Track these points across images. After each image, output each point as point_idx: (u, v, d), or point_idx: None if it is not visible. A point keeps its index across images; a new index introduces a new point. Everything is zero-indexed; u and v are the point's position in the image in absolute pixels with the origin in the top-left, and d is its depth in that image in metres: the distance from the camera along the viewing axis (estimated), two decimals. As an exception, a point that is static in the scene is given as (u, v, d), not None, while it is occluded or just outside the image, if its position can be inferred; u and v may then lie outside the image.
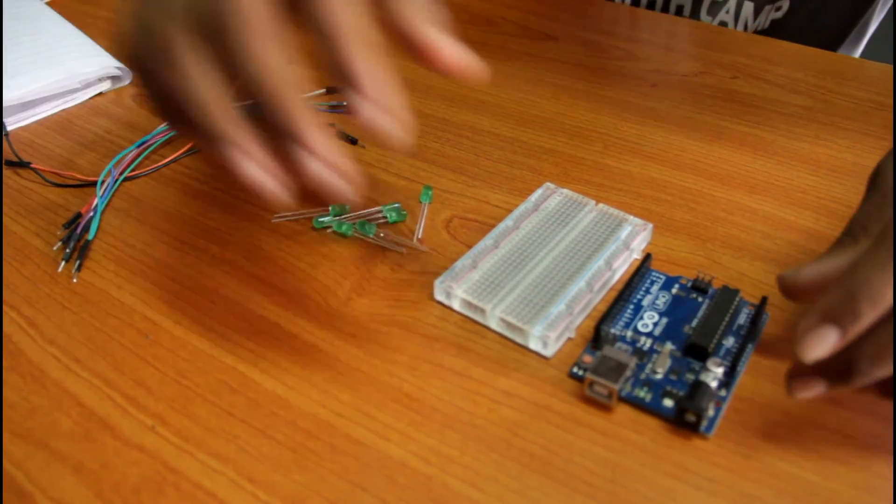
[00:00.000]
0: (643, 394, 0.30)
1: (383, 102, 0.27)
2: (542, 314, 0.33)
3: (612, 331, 0.32)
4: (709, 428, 0.29)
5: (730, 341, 0.32)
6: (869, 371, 0.26)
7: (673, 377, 0.31)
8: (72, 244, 0.39)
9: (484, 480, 0.28)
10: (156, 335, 0.34)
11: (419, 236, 0.39)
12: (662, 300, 0.34)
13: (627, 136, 0.46)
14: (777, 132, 0.45)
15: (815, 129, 0.45)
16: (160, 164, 0.45)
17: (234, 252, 0.39)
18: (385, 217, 0.40)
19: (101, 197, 0.42)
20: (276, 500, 0.28)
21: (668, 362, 0.31)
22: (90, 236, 0.40)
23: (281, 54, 0.28)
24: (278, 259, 0.38)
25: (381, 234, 0.39)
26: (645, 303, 0.34)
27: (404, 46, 0.29)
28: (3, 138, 0.48)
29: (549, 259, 0.35)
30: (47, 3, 0.64)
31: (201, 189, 0.43)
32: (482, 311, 0.33)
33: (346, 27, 0.27)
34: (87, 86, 0.52)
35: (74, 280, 0.37)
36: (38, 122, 0.50)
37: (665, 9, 0.64)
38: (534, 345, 0.32)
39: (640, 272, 0.35)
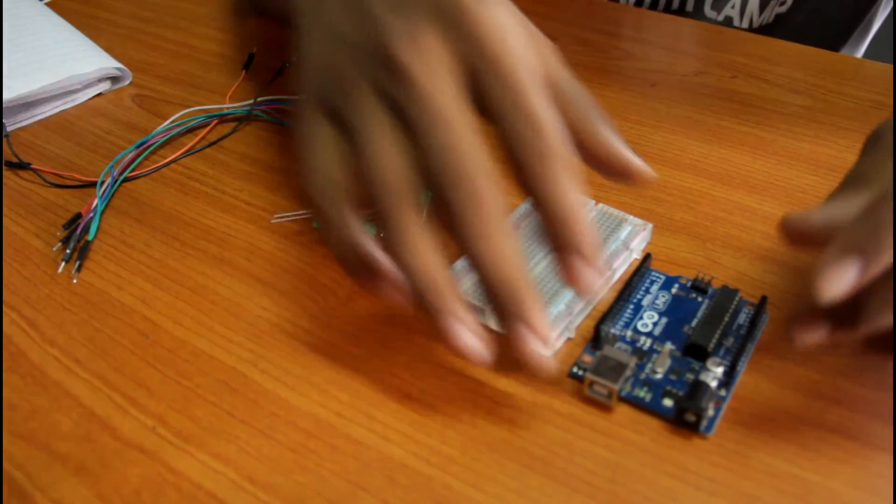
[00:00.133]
0: (643, 394, 0.30)
1: (580, 243, 0.27)
2: (541, 314, 0.33)
3: (612, 331, 0.32)
4: (708, 428, 0.29)
5: (729, 341, 0.32)
6: (878, 316, 0.25)
7: (673, 377, 0.31)
8: (72, 245, 0.39)
9: (484, 481, 0.28)
10: (156, 336, 0.34)
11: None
12: (662, 300, 0.34)
13: (627, 135, 0.45)
14: (777, 132, 0.45)
15: (814, 129, 0.45)
16: (160, 164, 0.45)
17: (234, 252, 0.39)
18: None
19: (101, 197, 0.42)
20: (276, 500, 0.28)
21: (668, 362, 0.31)
22: (90, 237, 0.40)
23: (483, 153, 0.27)
24: (278, 259, 0.38)
25: (381, 235, 0.39)
26: (645, 303, 0.34)
27: (589, 159, 0.30)
28: (3, 139, 0.48)
29: (549, 259, 0.35)
30: (47, 4, 0.64)
31: (201, 189, 0.43)
32: (482, 311, 0.33)
33: (545, 144, 0.27)
34: (87, 86, 0.52)
35: (74, 281, 0.37)
36: (38, 123, 0.50)
37: (669, 3, 0.64)
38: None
39: (640, 272, 0.35)
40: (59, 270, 0.38)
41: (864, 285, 0.25)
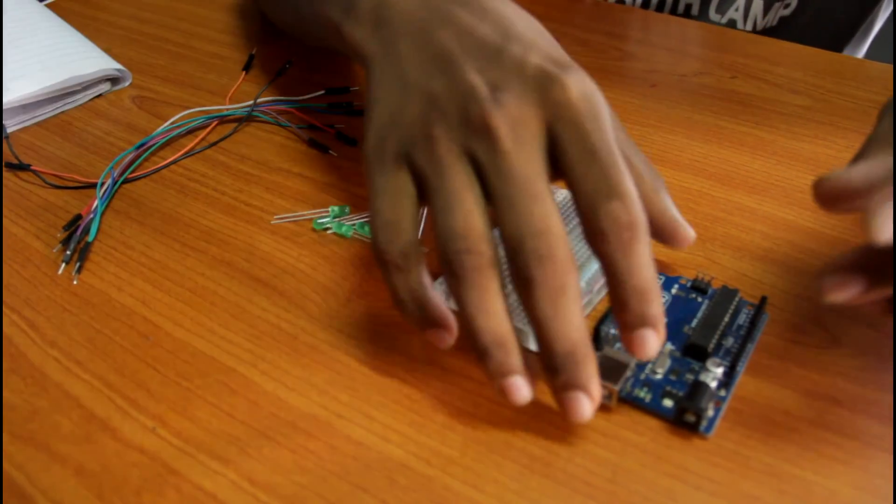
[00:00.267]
0: (643, 394, 0.30)
1: (655, 317, 0.27)
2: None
3: (612, 331, 0.32)
4: (708, 428, 0.29)
5: (729, 341, 0.32)
6: None
7: (673, 377, 0.31)
8: (72, 246, 0.39)
9: (484, 481, 0.28)
10: (156, 337, 0.34)
11: (419, 237, 0.39)
12: (662, 300, 0.34)
13: (627, 136, 0.46)
14: (776, 132, 0.45)
15: (814, 129, 0.45)
16: (160, 165, 0.45)
17: (234, 253, 0.39)
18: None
19: (101, 199, 0.42)
20: (276, 501, 0.28)
21: (668, 362, 0.31)
22: (90, 238, 0.40)
23: (564, 230, 0.28)
24: (278, 260, 0.38)
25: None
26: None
27: (652, 229, 0.31)
28: (3, 140, 0.48)
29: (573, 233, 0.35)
30: (47, 6, 0.64)
31: (201, 191, 0.43)
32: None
33: (630, 217, 0.27)
34: (87, 88, 0.52)
35: (75, 282, 0.38)
36: (38, 125, 0.50)
37: (674, 7, 0.64)
38: (533, 345, 0.32)
39: None
40: (60, 272, 0.38)
41: None
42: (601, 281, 0.34)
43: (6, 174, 0.45)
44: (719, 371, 0.30)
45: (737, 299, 0.33)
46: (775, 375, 0.31)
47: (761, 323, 0.33)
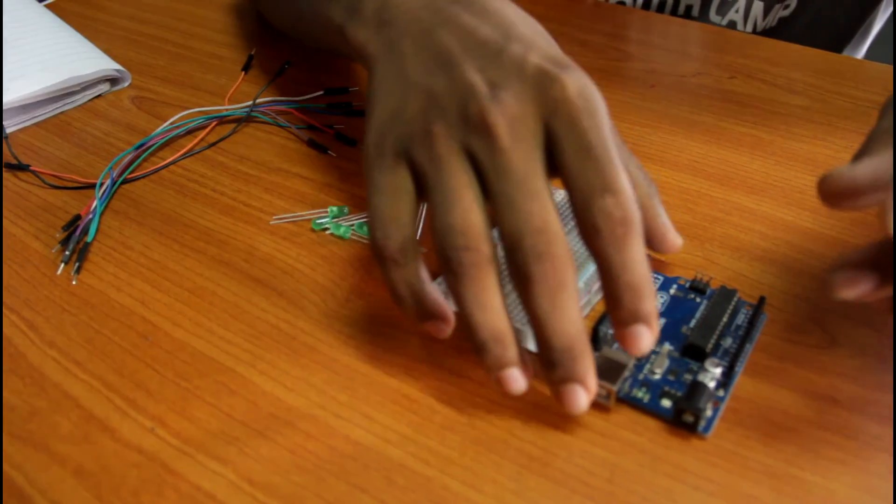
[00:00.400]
0: (641, 394, 0.30)
1: (648, 313, 0.28)
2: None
3: (611, 331, 0.32)
4: (707, 428, 0.29)
5: (728, 341, 0.32)
6: None
7: (671, 377, 0.31)
8: (71, 246, 0.39)
9: (483, 481, 0.28)
10: (155, 337, 0.34)
11: (418, 237, 0.39)
12: (660, 301, 0.34)
13: (626, 136, 0.46)
14: (775, 132, 0.45)
15: (813, 130, 0.45)
16: (159, 166, 0.45)
17: (233, 254, 0.39)
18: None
19: (100, 199, 0.42)
20: (274, 501, 0.28)
21: (667, 363, 0.31)
22: (89, 238, 0.40)
23: (561, 227, 0.28)
24: (277, 261, 0.38)
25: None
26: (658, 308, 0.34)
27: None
28: (3, 141, 0.48)
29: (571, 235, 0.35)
30: (46, 6, 0.64)
31: (200, 191, 0.43)
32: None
33: (624, 214, 0.27)
34: (86, 88, 0.52)
35: (74, 282, 0.38)
36: (37, 125, 0.50)
37: (675, 9, 0.64)
38: (532, 345, 0.32)
39: None
40: (59, 272, 0.38)
41: None
42: (599, 282, 0.34)
43: (5, 174, 0.45)
44: (718, 371, 0.30)
45: (735, 299, 0.33)
46: (774, 375, 0.31)
47: (760, 323, 0.33)
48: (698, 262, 0.36)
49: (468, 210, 0.28)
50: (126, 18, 0.64)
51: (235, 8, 0.65)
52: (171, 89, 0.53)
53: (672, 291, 0.35)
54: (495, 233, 0.29)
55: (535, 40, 0.31)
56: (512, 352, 0.28)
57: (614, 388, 0.29)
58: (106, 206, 0.42)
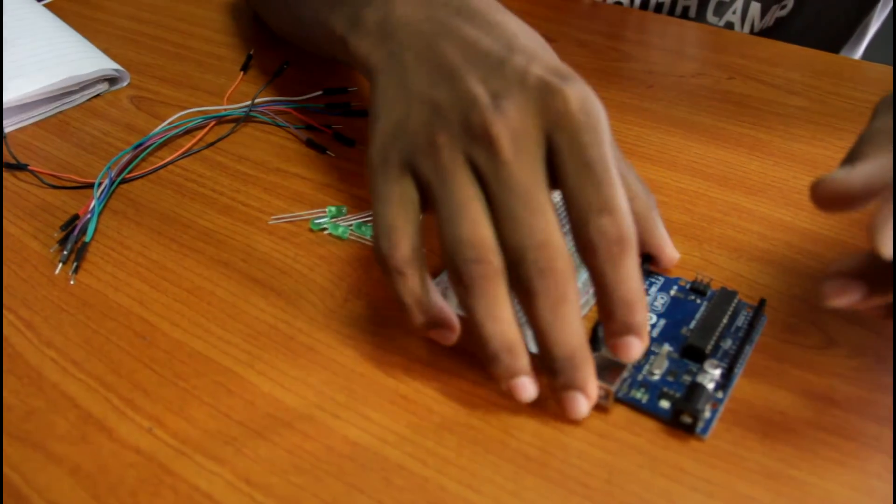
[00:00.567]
0: (640, 395, 0.30)
1: (640, 326, 0.28)
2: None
3: None
4: (705, 429, 0.29)
5: (727, 343, 0.32)
6: None
7: (670, 378, 0.31)
8: (69, 246, 0.39)
9: (480, 482, 0.28)
10: (153, 337, 0.34)
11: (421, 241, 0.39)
12: (661, 302, 0.34)
13: (624, 137, 0.46)
14: (774, 133, 0.45)
15: (811, 130, 0.45)
16: (157, 165, 0.45)
17: (232, 254, 0.39)
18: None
19: (99, 199, 0.42)
20: (272, 501, 0.28)
21: (666, 364, 0.31)
22: (87, 238, 0.40)
23: (563, 241, 0.28)
24: (275, 261, 0.38)
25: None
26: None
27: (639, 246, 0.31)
28: (1, 140, 0.48)
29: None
30: (45, 5, 0.64)
31: (198, 191, 0.43)
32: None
33: (619, 231, 0.28)
34: (85, 88, 0.52)
35: (72, 282, 0.38)
36: (36, 125, 0.50)
37: (672, 10, 0.64)
38: (531, 346, 0.32)
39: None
40: (57, 272, 0.38)
41: None
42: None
43: (4, 174, 0.45)
44: (717, 373, 0.30)
45: (735, 301, 0.33)
46: (772, 376, 0.31)
47: (760, 325, 0.33)
48: (696, 262, 0.36)
49: (476, 222, 0.28)
50: (125, 18, 0.64)
51: (234, 8, 0.65)
52: (170, 89, 0.53)
53: (672, 292, 0.35)
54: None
55: (538, 52, 0.31)
56: (523, 361, 0.29)
57: (612, 388, 0.29)
58: (104, 206, 0.42)
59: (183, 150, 0.46)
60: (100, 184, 0.43)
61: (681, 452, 0.29)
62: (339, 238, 0.39)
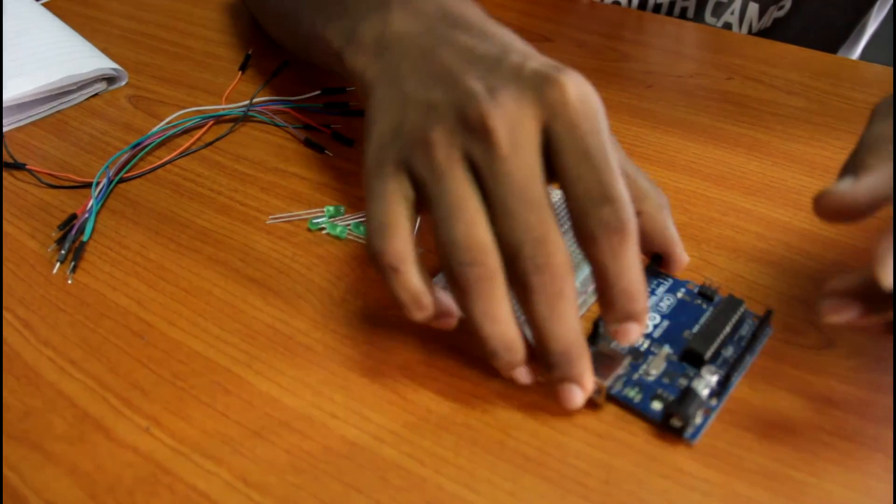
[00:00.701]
0: (633, 394, 0.30)
1: (640, 313, 0.29)
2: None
3: None
4: (694, 435, 0.29)
5: (729, 350, 0.32)
6: None
7: (666, 381, 0.31)
8: (67, 245, 0.39)
9: (478, 482, 0.28)
10: (151, 337, 0.34)
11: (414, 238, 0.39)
12: (667, 303, 0.34)
13: (623, 137, 0.46)
14: (772, 133, 0.45)
15: (810, 131, 0.45)
16: (155, 165, 0.45)
17: (230, 253, 0.39)
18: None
19: (96, 198, 0.42)
20: (270, 501, 0.28)
21: (664, 365, 0.31)
22: (85, 238, 0.39)
23: (561, 236, 0.28)
24: (273, 261, 0.38)
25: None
26: (648, 304, 0.33)
27: (644, 242, 0.32)
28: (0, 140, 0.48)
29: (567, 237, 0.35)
30: (43, 5, 0.64)
31: (196, 190, 0.43)
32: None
33: (620, 221, 0.27)
34: (83, 87, 0.52)
35: (69, 281, 0.37)
36: (34, 124, 0.50)
37: (670, 10, 0.64)
38: (528, 332, 0.32)
39: (648, 272, 0.34)
40: (54, 271, 0.38)
41: None
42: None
43: (2, 173, 0.45)
44: (713, 379, 0.30)
45: (741, 310, 0.32)
46: (770, 376, 0.31)
47: (764, 336, 0.32)
48: (695, 262, 0.36)
49: (471, 223, 0.28)
50: (123, 17, 0.64)
51: (233, 7, 0.65)
52: (168, 88, 0.53)
53: (679, 295, 0.34)
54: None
55: (533, 52, 0.31)
56: (521, 355, 0.29)
57: (605, 384, 0.29)
58: (102, 206, 0.42)
59: (181, 149, 0.46)
60: (98, 183, 0.43)
61: (678, 452, 0.29)
62: (337, 238, 0.39)
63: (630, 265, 0.28)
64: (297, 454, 0.29)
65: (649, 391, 0.30)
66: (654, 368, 0.31)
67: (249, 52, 0.56)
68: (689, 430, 0.29)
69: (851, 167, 0.28)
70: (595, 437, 0.29)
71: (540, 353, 0.29)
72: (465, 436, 0.30)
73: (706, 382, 0.30)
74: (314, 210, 0.41)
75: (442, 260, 0.29)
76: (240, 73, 0.54)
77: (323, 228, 0.40)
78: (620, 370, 0.30)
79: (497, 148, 0.28)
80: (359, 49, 0.36)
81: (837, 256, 0.36)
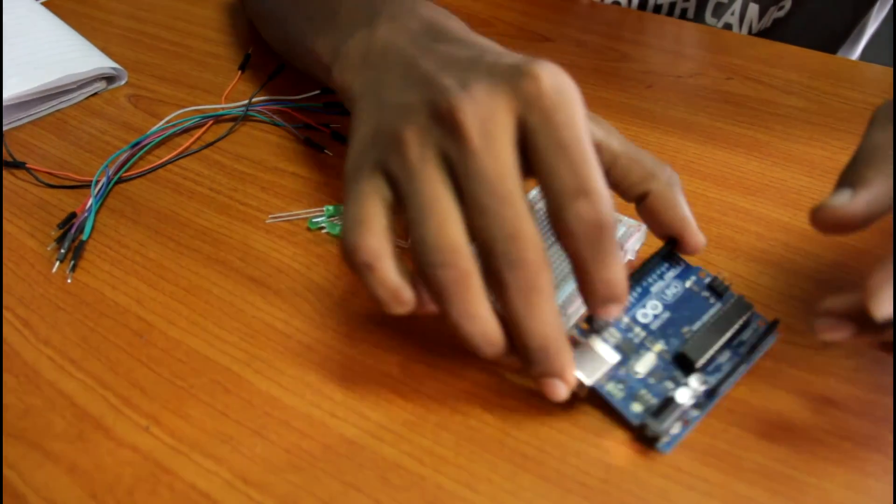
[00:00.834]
0: (616, 391, 0.29)
1: (619, 297, 0.28)
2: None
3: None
4: (667, 446, 0.28)
5: (725, 356, 0.31)
6: None
7: (651, 380, 0.30)
8: (66, 244, 0.39)
9: (477, 481, 0.28)
10: (150, 336, 0.34)
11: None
12: (672, 292, 0.32)
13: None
14: (772, 133, 0.45)
15: (809, 131, 0.45)
16: (155, 164, 0.45)
17: (229, 253, 0.39)
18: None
19: (96, 197, 0.42)
20: (269, 500, 0.28)
21: (654, 363, 0.30)
22: (84, 237, 0.39)
23: (536, 230, 0.27)
24: (273, 260, 0.38)
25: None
26: (654, 289, 0.32)
27: (650, 217, 0.32)
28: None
29: (557, 247, 0.35)
30: (43, 4, 0.64)
31: (196, 190, 0.43)
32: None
33: (596, 214, 0.27)
34: (82, 86, 0.52)
35: (69, 280, 0.37)
36: (33, 123, 0.50)
37: (670, 11, 0.64)
38: None
39: (661, 255, 0.33)
40: (54, 270, 0.38)
41: None
42: (579, 300, 0.32)
43: (1, 172, 0.45)
44: (700, 389, 0.29)
45: (748, 314, 0.31)
46: (769, 376, 0.31)
47: (765, 345, 0.31)
48: (694, 262, 0.36)
49: (442, 223, 0.27)
50: (123, 17, 0.64)
51: (233, 7, 0.64)
52: (168, 88, 0.53)
53: (688, 284, 0.33)
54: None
55: (513, 53, 0.30)
56: (502, 346, 0.28)
57: (587, 383, 0.29)
58: (101, 205, 0.42)
59: (181, 149, 0.46)
60: (97, 182, 0.43)
61: (677, 451, 0.29)
62: (336, 237, 0.39)
63: (608, 258, 0.27)
64: (296, 453, 0.29)
65: (632, 390, 0.30)
66: (643, 366, 0.30)
67: (249, 52, 0.56)
68: (663, 441, 0.28)
69: (849, 178, 0.28)
70: (594, 436, 0.29)
71: (519, 350, 0.28)
72: (464, 435, 0.30)
73: (692, 392, 0.29)
74: (314, 209, 0.41)
75: (414, 262, 0.28)
76: (239, 72, 0.54)
77: (323, 228, 0.40)
78: (606, 368, 0.30)
79: (467, 141, 0.27)
80: (346, 65, 0.36)
81: (837, 256, 0.36)
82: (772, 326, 0.31)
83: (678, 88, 0.50)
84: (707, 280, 0.33)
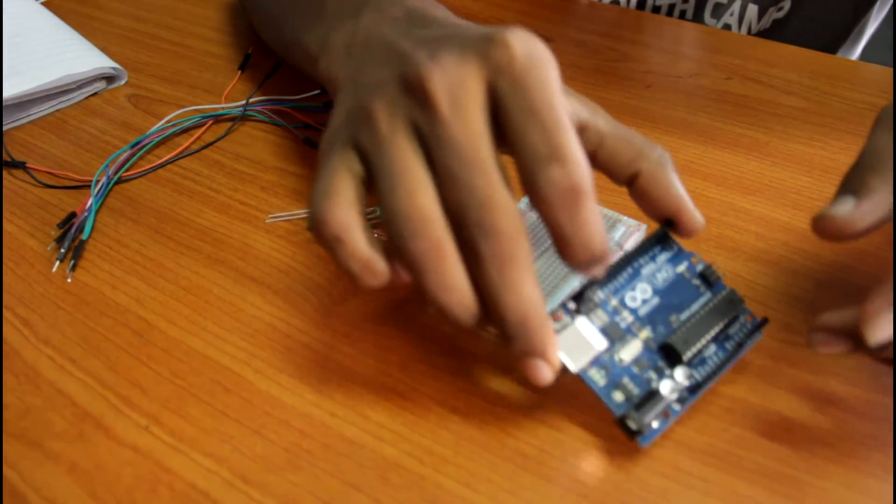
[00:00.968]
0: (598, 377, 0.29)
1: (602, 260, 0.27)
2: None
3: (600, 294, 0.30)
4: (646, 439, 0.28)
5: (710, 350, 0.30)
6: None
7: (635, 369, 0.29)
8: (66, 244, 0.39)
9: (477, 480, 0.28)
10: (150, 335, 0.34)
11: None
12: (663, 276, 0.31)
13: (622, 136, 0.46)
14: (771, 133, 0.45)
15: (808, 131, 0.46)
16: (155, 164, 0.45)
17: (229, 252, 0.39)
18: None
19: (96, 197, 0.42)
20: (269, 499, 0.28)
21: (639, 350, 0.30)
22: (84, 236, 0.39)
23: (510, 199, 0.26)
24: (273, 259, 0.38)
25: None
26: (644, 272, 0.31)
27: (640, 196, 0.30)
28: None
29: (543, 260, 0.35)
30: (43, 4, 0.64)
31: (196, 189, 0.43)
32: None
33: (572, 180, 0.26)
34: (82, 86, 0.52)
35: (69, 280, 0.37)
36: (33, 123, 0.50)
37: (669, 12, 0.64)
38: None
39: (656, 237, 0.32)
40: (54, 270, 0.38)
41: None
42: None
43: (1, 172, 0.45)
44: (685, 384, 0.29)
45: (738, 309, 0.31)
46: (768, 375, 0.31)
47: (750, 342, 0.31)
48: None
49: (412, 193, 0.26)
50: (123, 16, 0.64)
51: (232, 7, 0.64)
52: (168, 87, 0.53)
53: (680, 269, 0.31)
54: (522, 204, 0.27)
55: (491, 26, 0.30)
56: (479, 315, 0.27)
57: (573, 370, 0.28)
58: (101, 204, 0.42)
59: (180, 148, 0.46)
60: (97, 182, 0.43)
61: (677, 450, 0.29)
62: (336, 237, 0.39)
63: (587, 221, 0.26)
64: (296, 452, 0.29)
65: (615, 378, 0.29)
66: (628, 353, 0.29)
67: (249, 52, 0.56)
68: (643, 434, 0.28)
69: (852, 184, 0.28)
70: (594, 435, 0.29)
71: (497, 327, 0.27)
72: (464, 434, 0.30)
73: (675, 385, 0.29)
74: (314, 209, 0.41)
75: (387, 233, 0.27)
76: (239, 72, 0.54)
77: (322, 227, 0.40)
78: (592, 354, 0.29)
79: (436, 109, 0.27)
80: (332, 56, 0.36)
81: (837, 256, 0.36)
82: (759, 325, 0.31)
83: (678, 88, 0.50)
84: (700, 267, 0.32)
